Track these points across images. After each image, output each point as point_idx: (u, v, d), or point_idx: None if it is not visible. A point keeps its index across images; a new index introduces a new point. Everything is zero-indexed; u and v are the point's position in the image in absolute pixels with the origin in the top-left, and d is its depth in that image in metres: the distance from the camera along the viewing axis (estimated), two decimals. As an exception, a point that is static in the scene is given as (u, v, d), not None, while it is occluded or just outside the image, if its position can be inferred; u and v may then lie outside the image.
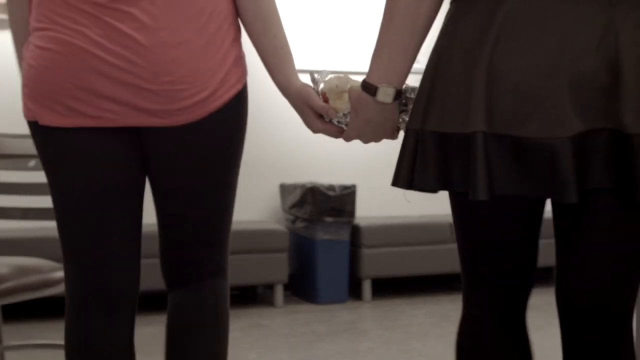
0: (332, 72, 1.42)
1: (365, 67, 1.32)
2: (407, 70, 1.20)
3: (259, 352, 3.07)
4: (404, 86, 1.24)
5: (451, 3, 1.19)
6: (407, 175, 1.16)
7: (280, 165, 4.58)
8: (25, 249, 3.53)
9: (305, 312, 3.91)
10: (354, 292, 4.30)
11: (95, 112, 1.30)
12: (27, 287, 1.86)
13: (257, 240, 3.93)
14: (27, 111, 1.36)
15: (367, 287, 4.23)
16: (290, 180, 4.47)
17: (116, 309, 1.41)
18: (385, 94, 1.20)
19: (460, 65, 1.10)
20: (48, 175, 1.39)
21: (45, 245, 3.57)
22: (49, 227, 3.91)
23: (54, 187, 1.39)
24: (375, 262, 4.22)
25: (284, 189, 4.35)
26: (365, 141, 1.30)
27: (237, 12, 1.42)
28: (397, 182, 1.18)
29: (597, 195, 1.09)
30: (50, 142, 1.35)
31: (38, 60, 1.30)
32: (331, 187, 4.07)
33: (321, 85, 1.40)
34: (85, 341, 1.37)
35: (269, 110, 4.42)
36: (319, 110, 1.39)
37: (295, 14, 4.60)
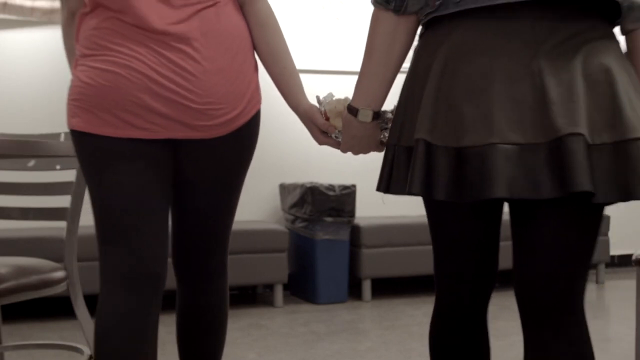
0: (334, 93, 1.82)
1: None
2: (384, 96, 1.44)
3: (258, 352, 3.07)
4: (382, 108, 1.48)
5: (419, 39, 1.43)
6: (385, 182, 1.41)
7: (280, 165, 4.58)
8: (25, 249, 3.53)
9: (305, 312, 3.91)
10: (354, 292, 4.30)
11: (144, 125, 1.53)
12: (26, 287, 1.86)
13: (257, 240, 3.93)
14: (76, 122, 1.55)
15: (366, 287, 4.24)
16: (290, 180, 4.47)
17: (153, 282, 1.57)
18: (365, 115, 1.45)
19: (418, 90, 1.35)
20: (91, 175, 1.57)
21: (45, 246, 3.57)
22: (48, 227, 3.91)
23: (98, 185, 1.56)
24: (375, 262, 4.23)
25: (284, 189, 4.35)
26: (355, 153, 1.56)
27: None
28: (379, 187, 1.43)
29: (541, 201, 1.26)
30: (98, 148, 1.54)
31: (96, 79, 1.51)
32: (331, 187, 4.07)
33: (323, 102, 1.67)
34: (119, 317, 1.52)
35: (269, 111, 4.43)
36: (321, 127, 1.66)
37: (296, 16, 4.60)
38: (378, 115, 1.47)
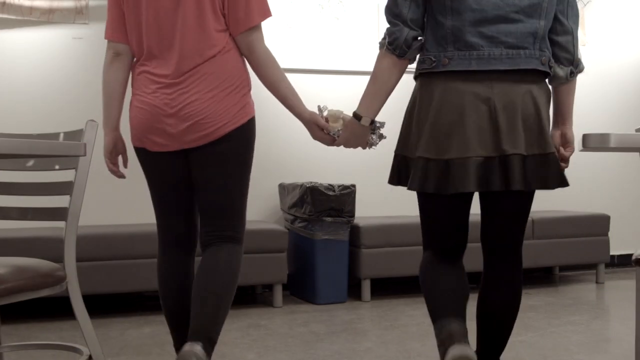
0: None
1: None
2: (379, 110, 2.19)
3: (257, 352, 3.07)
4: (375, 119, 2.21)
5: (415, 79, 2.18)
6: (396, 179, 2.23)
7: (279, 165, 4.58)
8: (24, 249, 3.53)
9: (304, 312, 3.90)
10: (353, 292, 4.30)
11: (161, 142, 2.29)
12: (25, 288, 1.86)
13: (256, 240, 3.93)
14: (135, 141, 2.35)
15: (366, 287, 4.23)
16: (289, 180, 4.46)
17: (186, 248, 2.42)
18: (365, 121, 2.19)
19: (418, 120, 2.11)
20: (146, 174, 2.42)
21: (44, 246, 3.57)
22: (47, 227, 3.90)
23: (150, 181, 2.42)
24: (375, 262, 4.22)
25: (283, 189, 4.35)
26: (347, 147, 2.32)
27: (249, 78, 2.35)
28: (390, 182, 2.24)
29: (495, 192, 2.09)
30: (142, 157, 2.39)
31: (137, 115, 2.30)
32: (330, 187, 4.07)
33: (325, 113, 2.39)
34: (168, 268, 2.40)
35: (268, 112, 4.42)
36: (323, 127, 2.37)
37: (296, 16, 4.60)
38: (372, 122, 2.21)
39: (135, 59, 2.34)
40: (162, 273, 2.40)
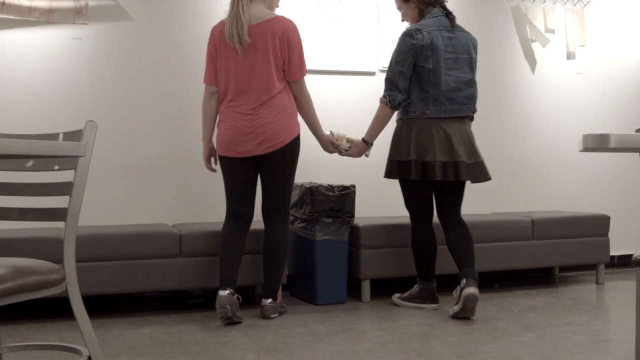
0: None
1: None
2: (376, 137, 3.94)
3: (257, 352, 3.06)
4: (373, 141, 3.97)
5: (397, 122, 3.91)
6: (389, 174, 3.92)
7: (279, 165, 4.57)
8: (23, 249, 3.53)
9: (304, 313, 3.90)
10: (353, 293, 4.29)
11: (241, 150, 3.61)
12: (24, 288, 1.85)
13: (256, 241, 3.92)
14: (221, 151, 3.67)
15: (366, 288, 4.23)
16: (289, 180, 4.46)
17: (244, 223, 3.76)
18: (370, 144, 3.95)
19: (405, 141, 3.81)
20: (225, 174, 3.72)
21: (43, 246, 3.56)
22: (47, 227, 3.90)
23: (227, 178, 3.72)
24: (374, 263, 4.22)
25: (283, 190, 4.34)
26: (353, 157, 4.01)
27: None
28: (386, 176, 3.94)
29: (446, 182, 3.81)
30: (225, 162, 3.70)
31: (225, 134, 3.63)
32: (330, 188, 4.07)
33: (335, 134, 3.93)
34: (230, 234, 3.74)
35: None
36: (335, 144, 3.92)
37: (295, 17, 4.60)
38: (371, 144, 3.95)
39: (221, 98, 3.67)
40: (226, 235, 3.70)
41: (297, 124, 3.68)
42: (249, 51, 3.57)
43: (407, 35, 3.76)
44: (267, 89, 3.56)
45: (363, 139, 3.89)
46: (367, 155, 3.96)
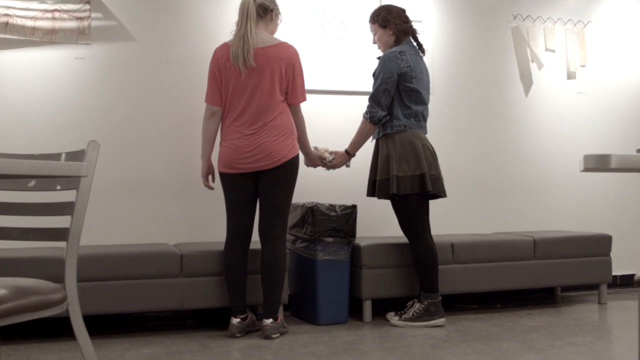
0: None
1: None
2: (359, 148, 4.24)
3: (258, 373, 3.05)
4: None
5: (379, 139, 4.19)
6: (371, 193, 4.29)
7: (280, 185, 4.57)
8: (24, 269, 3.52)
9: (305, 333, 3.89)
10: (354, 313, 4.28)
11: (241, 167, 3.73)
12: (26, 309, 1.85)
13: (258, 261, 3.91)
14: (221, 167, 3.79)
15: (367, 308, 4.22)
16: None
17: (244, 240, 3.82)
18: (352, 155, 4.24)
19: (412, 154, 4.05)
20: (225, 190, 3.83)
21: (44, 266, 3.56)
22: (48, 247, 3.90)
23: (227, 194, 3.82)
24: (376, 283, 4.21)
25: (284, 209, 4.34)
26: (335, 168, 4.27)
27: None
28: (368, 194, 4.30)
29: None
30: (225, 178, 3.81)
31: (227, 152, 3.75)
32: (332, 207, 4.07)
33: (320, 148, 4.19)
34: (231, 254, 3.80)
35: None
36: (321, 157, 4.17)
37: (297, 37, 4.62)
38: (353, 155, 4.23)
39: (223, 118, 3.79)
40: (228, 256, 3.80)
41: (295, 145, 3.80)
42: (253, 73, 3.69)
43: (392, 57, 4.04)
44: (269, 110, 3.70)
45: (346, 150, 4.18)
46: (348, 166, 4.27)
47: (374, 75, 4.16)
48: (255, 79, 3.69)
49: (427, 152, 4.03)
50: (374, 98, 4.03)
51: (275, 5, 3.86)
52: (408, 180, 3.96)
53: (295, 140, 3.79)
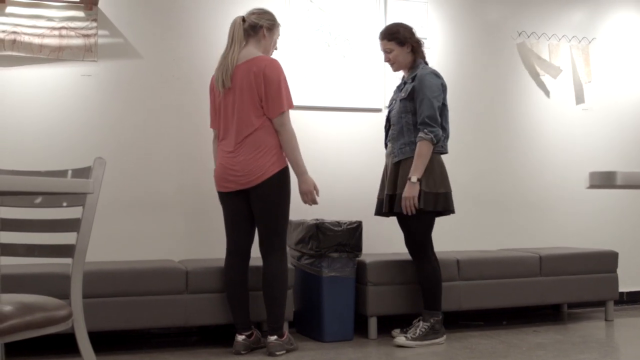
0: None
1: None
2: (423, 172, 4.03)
3: (263, 390, 3.03)
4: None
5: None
6: (378, 211, 4.28)
7: (285, 201, 4.58)
8: (30, 285, 3.52)
9: (311, 350, 3.87)
10: (360, 330, 4.26)
11: (228, 185, 3.75)
12: (31, 325, 1.85)
13: (258, 277, 3.90)
14: (216, 187, 3.82)
15: (372, 325, 4.20)
16: (296, 216, 4.46)
17: (242, 256, 3.81)
18: (416, 180, 3.93)
19: (440, 173, 4.00)
20: (223, 208, 3.84)
21: (50, 282, 3.56)
22: (54, 263, 3.90)
23: (225, 212, 3.82)
24: (381, 300, 4.20)
25: (290, 225, 4.34)
26: (408, 200, 3.91)
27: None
28: (377, 213, 4.31)
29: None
30: (220, 197, 3.84)
31: (216, 170, 3.81)
32: (337, 224, 4.06)
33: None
34: (230, 270, 3.79)
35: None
36: (316, 190, 3.85)
37: (303, 54, 4.63)
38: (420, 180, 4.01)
39: (217, 139, 3.85)
40: (227, 272, 3.79)
41: (278, 160, 3.67)
42: (230, 92, 3.71)
43: (435, 75, 4.01)
44: (244, 127, 3.65)
45: (417, 178, 3.87)
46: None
47: (404, 95, 4.01)
48: (232, 97, 3.69)
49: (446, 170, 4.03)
50: (432, 117, 3.88)
51: (267, 20, 3.77)
52: (433, 197, 3.90)
53: (277, 155, 3.66)
